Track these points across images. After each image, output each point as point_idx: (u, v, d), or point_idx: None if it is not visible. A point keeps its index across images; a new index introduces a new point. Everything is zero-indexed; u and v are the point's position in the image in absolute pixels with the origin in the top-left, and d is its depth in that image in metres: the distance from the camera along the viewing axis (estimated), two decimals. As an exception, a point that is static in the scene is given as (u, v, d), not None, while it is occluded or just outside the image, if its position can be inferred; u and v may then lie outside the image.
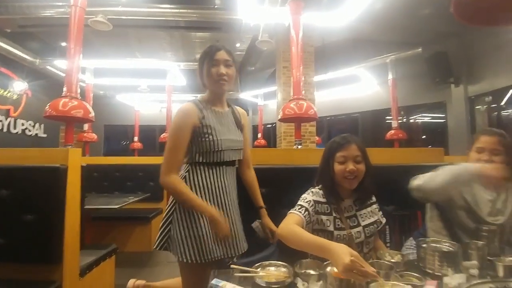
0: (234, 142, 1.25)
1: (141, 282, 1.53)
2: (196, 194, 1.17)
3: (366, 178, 1.15)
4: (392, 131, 5.61)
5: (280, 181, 1.46)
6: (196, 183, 1.19)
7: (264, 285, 0.83)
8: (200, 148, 1.19)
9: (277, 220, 1.36)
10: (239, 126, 1.32)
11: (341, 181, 1.13)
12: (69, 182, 1.41)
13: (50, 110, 2.35)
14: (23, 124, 6.98)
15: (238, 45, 6.30)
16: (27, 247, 1.36)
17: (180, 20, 4.81)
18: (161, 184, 1.15)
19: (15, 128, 6.76)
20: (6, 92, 6.53)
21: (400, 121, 6.13)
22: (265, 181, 1.45)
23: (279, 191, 1.43)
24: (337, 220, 1.13)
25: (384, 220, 1.27)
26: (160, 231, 1.20)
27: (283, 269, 0.91)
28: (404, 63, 5.85)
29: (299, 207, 1.10)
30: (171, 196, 1.23)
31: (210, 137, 1.18)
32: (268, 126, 9.30)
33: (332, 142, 1.19)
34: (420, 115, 6.70)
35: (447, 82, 5.47)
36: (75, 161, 1.46)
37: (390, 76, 5.79)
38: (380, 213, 1.28)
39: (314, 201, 1.13)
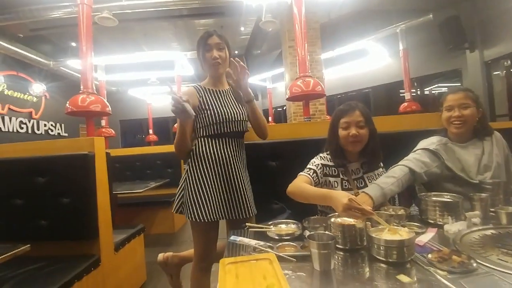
0: (234, 114, 1.33)
1: (169, 253, 1.69)
2: (202, 163, 1.30)
3: (371, 142, 1.22)
4: (405, 104, 5.49)
5: (290, 154, 1.53)
6: (202, 153, 1.31)
7: (276, 237, 0.93)
8: (202, 123, 1.31)
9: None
10: (240, 100, 1.41)
11: (346, 145, 1.21)
12: (97, 167, 1.56)
13: (70, 107, 2.50)
14: (45, 125, 7.37)
15: (242, 29, 6.25)
16: (67, 226, 1.53)
17: (183, 9, 4.84)
18: (177, 156, 1.32)
19: (38, 129, 7.15)
20: (26, 95, 6.87)
21: (414, 94, 5.97)
22: (275, 155, 1.54)
23: (290, 164, 1.50)
24: (344, 181, 1.23)
25: None
26: (176, 197, 1.36)
27: (293, 226, 1.01)
28: (415, 32, 5.63)
29: (308, 169, 1.21)
30: (184, 168, 1.38)
31: (209, 111, 1.30)
32: (278, 109, 9.30)
33: (337, 109, 1.27)
34: (436, 85, 6.46)
35: (462, 48, 5.26)
36: (100, 148, 1.60)
37: (401, 47, 5.59)
38: None
39: (322, 164, 1.23)
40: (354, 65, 7.25)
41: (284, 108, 7.73)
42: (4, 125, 6.18)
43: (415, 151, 1.32)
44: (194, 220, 1.27)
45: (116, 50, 6.61)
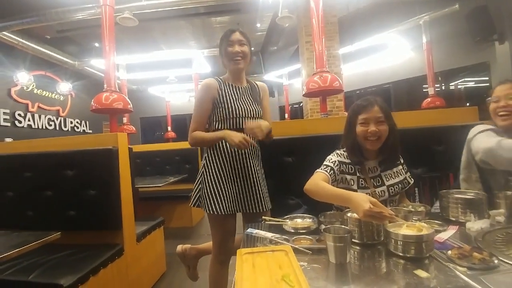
0: (249, 111, 1.37)
1: (187, 245, 1.75)
2: (219, 157, 1.35)
3: (390, 138, 1.17)
4: (429, 99, 5.28)
5: (306, 150, 1.53)
6: (219, 148, 1.36)
7: (292, 230, 0.94)
8: (218, 116, 1.35)
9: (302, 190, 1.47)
10: (256, 99, 1.45)
11: (364, 142, 1.17)
12: (120, 161, 1.64)
13: (95, 104, 2.62)
14: (71, 122, 7.75)
15: (258, 25, 6.25)
16: (93, 217, 1.62)
17: (200, 7, 4.89)
18: (190, 144, 1.37)
19: (65, 126, 7.53)
20: (54, 94, 7.25)
21: (437, 89, 5.72)
22: (292, 151, 1.55)
23: (306, 160, 1.51)
24: (361, 179, 1.19)
25: (412, 181, 1.30)
26: (194, 191, 1.41)
27: (308, 220, 1.02)
28: (440, 23, 5.36)
29: (325, 166, 1.18)
30: (202, 163, 1.42)
31: (227, 105, 1.34)
32: (295, 106, 9.22)
33: (354, 104, 1.22)
34: (462, 80, 6.14)
35: (490, 40, 4.96)
36: (123, 143, 1.68)
37: (424, 39, 5.36)
38: (408, 174, 1.30)
39: (339, 161, 1.20)
40: (373, 59, 7.04)
41: (301, 104, 7.66)
42: (34, 122, 6.57)
43: (476, 134, 1.24)
44: (211, 212, 1.31)
45: (136, 50, 6.81)
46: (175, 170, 3.71)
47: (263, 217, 1.04)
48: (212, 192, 1.33)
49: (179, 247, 1.76)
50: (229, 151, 1.35)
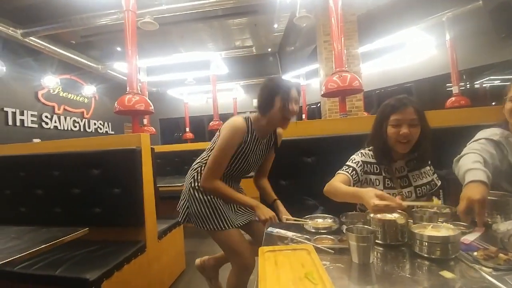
0: (257, 166, 1.40)
1: (205, 257, 1.71)
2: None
3: (423, 141, 1.11)
4: (453, 98, 5.07)
5: (325, 150, 1.51)
6: None
7: (313, 230, 0.94)
8: (231, 167, 1.32)
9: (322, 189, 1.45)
10: (270, 148, 1.43)
11: (394, 144, 1.11)
12: (143, 160, 1.69)
13: (118, 106, 2.72)
14: (95, 124, 8.09)
15: (275, 25, 6.25)
16: (118, 214, 1.68)
17: (218, 9, 4.97)
18: (204, 187, 1.28)
19: (89, 127, 7.87)
20: (79, 97, 7.60)
21: (462, 87, 5.48)
22: (310, 151, 1.53)
23: (325, 160, 1.50)
24: (387, 180, 1.15)
25: (439, 183, 1.24)
26: (181, 209, 1.41)
27: (330, 220, 1.01)
28: (463, 20, 5.15)
29: (347, 167, 1.16)
30: (187, 180, 1.41)
31: (244, 157, 1.31)
32: (312, 106, 9.13)
33: (386, 104, 1.15)
34: (487, 78, 5.84)
35: (517, 36, 4.70)
36: (146, 143, 1.74)
37: (447, 37, 5.17)
38: (435, 175, 1.25)
39: (363, 161, 1.17)
40: (394, 58, 6.85)
41: (318, 105, 7.59)
42: (60, 124, 6.91)
43: (476, 140, 1.16)
44: (211, 229, 1.30)
45: (156, 53, 7.01)
46: (193, 170, 3.77)
47: (283, 216, 1.04)
48: (206, 210, 1.32)
49: (198, 261, 1.71)
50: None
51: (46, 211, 1.82)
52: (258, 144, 1.34)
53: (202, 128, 9.87)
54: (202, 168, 1.34)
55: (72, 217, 1.77)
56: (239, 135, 1.25)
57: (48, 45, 5.89)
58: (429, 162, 1.23)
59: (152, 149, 1.81)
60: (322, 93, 2.50)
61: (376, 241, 0.83)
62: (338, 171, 1.16)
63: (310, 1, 4.22)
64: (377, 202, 0.82)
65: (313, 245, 0.78)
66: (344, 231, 0.89)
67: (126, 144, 1.71)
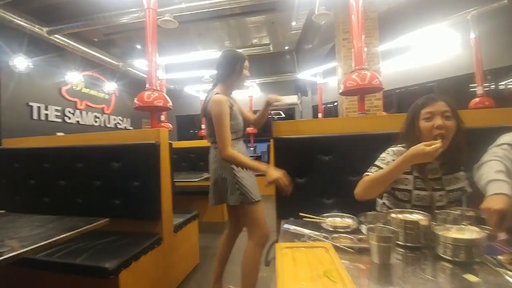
0: (243, 121, 1.67)
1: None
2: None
3: (457, 137, 1.06)
4: (477, 99, 4.85)
5: (343, 149, 1.49)
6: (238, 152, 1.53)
7: (331, 229, 0.92)
8: (232, 129, 1.54)
9: (342, 188, 1.43)
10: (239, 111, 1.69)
11: (429, 140, 1.03)
12: (162, 155, 1.73)
13: (138, 102, 2.78)
14: (114, 119, 8.33)
15: (293, 23, 6.18)
16: (136, 206, 1.73)
17: (236, 7, 4.97)
18: (224, 158, 1.48)
19: (109, 123, 8.11)
20: (100, 93, 7.85)
21: (486, 88, 5.23)
22: (328, 149, 1.51)
23: (341, 159, 1.47)
24: (417, 180, 1.10)
25: (469, 190, 1.17)
26: (231, 194, 1.54)
27: (348, 220, 0.99)
28: (489, 18, 4.92)
29: (376, 168, 1.10)
30: (224, 167, 1.55)
31: (237, 120, 1.58)
32: (329, 105, 8.99)
33: (416, 102, 1.13)
34: (512, 79, 5.55)
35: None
36: (164, 138, 1.77)
37: (472, 35, 4.94)
38: (467, 181, 1.16)
39: (393, 160, 1.10)
40: (416, 56, 6.62)
41: (335, 104, 7.46)
42: (82, 119, 7.17)
43: (499, 145, 1.11)
44: (257, 200, 1.53)
45: (174, 51, 7.12)
46: (208, 166, 3.82)
47: (300, 213, 1.04)
48: (250, 183, 1.54)
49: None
50: (243, 153, 1.57)
51: (68, 202, 1.89)
52: (235, 103, 1.63)
53: (217, 125, 9.96)
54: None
55: (93, 208, 1.84)
56: (226, 104, 1.50)
57: (72, 43, 6.12)
58: (463, 168, 1.15)
59: (170, 144, 1.84)
60: (341, 91, 2.44)
61: (397, 242, 0.81)
62: (366, 173, 1.10)
63: (329, -2, 4.15)
64: (429, 149, 0.89)
65: (332, 244, 0.77)
66: (364, 230, 0.88)
67: (146, 139, 1.75)
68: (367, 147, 1.42)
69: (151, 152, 1.70)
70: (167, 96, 2.88)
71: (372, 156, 1.37)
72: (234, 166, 1.52)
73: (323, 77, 8.18)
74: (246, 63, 1.63)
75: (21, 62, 5.44)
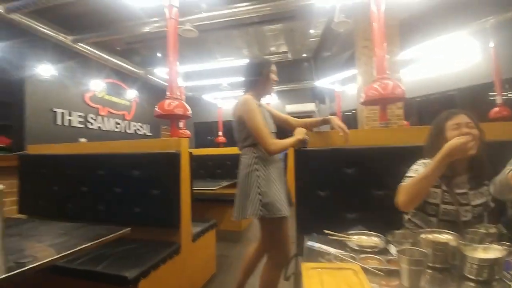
0: (271, 128, 1.59)
1: None
2: (269, 167, 1.49)
3: (480, 149, 1.06)
4: (496, 109, 4.65)
5: (365, 162, 1.44)
6: (266, 160, 1.50)
7: (357, 248, 0.88)
8: None
9: (365, 202, 1.38)
10: (270, 116, 1.67)
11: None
12: (182, 164, 1.74)
13: (158, 110, 2.84)
14: (134, 125, 8.57)
15: (312, 31, 6.19)
16: (155, 215, 1.74)
17: (254, 16, 5.03)
18: (272, 152, 1.46)
19: (129, 129, 8.36)
20: (121, 100, 8.12)
21: (505, 97, 5.01)
22: (350, 162, 1.46)
23: (365, 173, 1.42)
24: (445, 194, 1.09)
25: (492, 205, 1.14)
26: (253, 205, 1.45)
27: (375, 238, 0.94)
28: (508, 27, 4.75)
29: (410, 175, 1.10)
30: (251, 176, 1.49)
31: (265, 122, 1.51)
32: (347, 113, 8.84)
33: (439, 116, 1.18)
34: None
35: None
36: (185, 147, 1.79)
37: (491, 44, 4.77)
38: (490, 196, 1.14)
39: None
40: (436, 64, 6.41)
41: (353, 112, 7.32)
42: (104, 125, 7.42)
43: None
44: (282, 215, 1.42)
45: (193, 59, 7.28)
46: (226, 175, 3.82)
47: (324, 230, 1.00)
48: (276, 196, 1.44)
49: None
50: (272, 158, 1.50)
51: (90, 208, 1.93)
52: (263, 108, 1.61)
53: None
54: (255, 157, 1.50)
55: (114, 215, 1.86)
56: (254, 102, 1.48)
57: (96, 51, 6.37)
58: (487, 182, 1.13)
59: (190, 153, 1.86)
60: (362, 100, 2.39)
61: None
62: (401, 184, 1.10)
63: (349, 6, 4.11)
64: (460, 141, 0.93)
65: (360, 265, 0.73)
66: (392, 250, 0.83)
67: (167, 148, 1.77)
68: (392, 160, 1.37)
69: (172, 161, 1.72)
70: (186, 104, 2.94)
71: (397, 170, 1.32)
72: (261, 174, 1.45)
73: (341, 85, 8.08)
74: (273, 68, 1.61)
75: (46, 70, 5.68)
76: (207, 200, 3.51)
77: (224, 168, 3.92)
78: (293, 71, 8.63)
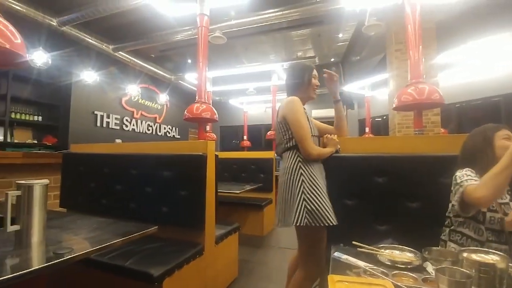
0: (314, 132, 1.53)
1: None
2: (314, 171, 1.40)
3: None
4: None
5: (397, 171, 1.36)
6: (311, 163, 1.41)
7: (389, 263, 0.83)
8: None
9: (398, 214, 1.29)
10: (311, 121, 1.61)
11: None
12: (208, 166, 1.77)
13: (187, 114, 2.93)
14: (164, 128, 8.93)
15: (340, 35, 6.06)
16: (181, 215, 1.78)
17: (283, 21, 5.04)
18: (310, 156, 1.39)
19: (160, 131, 8.72)
20: (154, 104, 8.51)
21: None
22: (381, 171, 1.39)
23: (396, 182, 1.35)
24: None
25: None
26: (296, 212, 1.34)
27: (409, 254, 0.88)
28: None
29: (473, 180, 1.02)
30: (295, 180, 1.39)
31: (309, 124, 1.48)
32: (377, 119, 8.50)
33: (485, 127, 1.17)
34: None
35: None
36: (211, 150, 1.81)
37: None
38: None
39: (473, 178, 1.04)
40: (478, 68, 5.95)
41: (384, 118, 7.03)
42: (137, 127, 7.82)
43: None
44: (330, 223, 1.31)
45: (221, 64, 7.44)
46: (250, 179, 3.83)
47: (353, 242, 0.95)
48: (324, 203, 1.34)
49: None
50: (316, 164, 1.42)
51: (122, 205, 2.02)
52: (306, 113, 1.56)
53: (259, 137, 10.06)
54: (299, 160, 1.42)
55: (143, 213, 1.93)
56: (300, 103, 1.47)
57: (133, 59, 6.82)
58: None
59: (216, 155, 1.88)
60: (395, 106, 2.28)
61: None
62: (468, 183, 1.01)
63: (380, 9, 3.97)
64: None
65: (393, 282, 0.68)
66: (429, 268, 0.77)
67: (194, 150, 1.81)
68: (427, 170, 1.29)
69: (198, 163, 1.75)
70: (214, 109, 3.00)
71: (433, 181, 1.24)
72: (305, 179, 1.36)
73: (371, 90, 7.81)
74: (315, 72, 1.60)
75: (89, 76, 6.18)
76: (231, 203, 3.54)
77: (249, 172, 3.93)
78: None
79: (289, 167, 1.42)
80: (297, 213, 1.32)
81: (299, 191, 1.35)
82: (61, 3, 4.71)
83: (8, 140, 5.08)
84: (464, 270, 0.67)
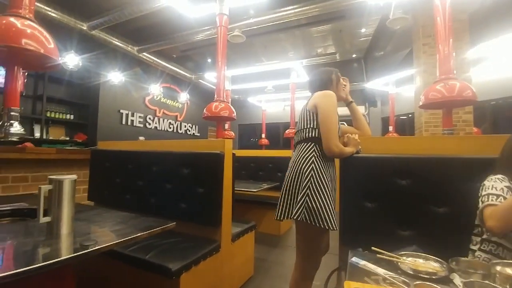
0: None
1: None
2: (327, 168, 1.37)
3: None
4: None
5: (422, 173, 1.28)
6: (327, 160, 1.39)
7: (410, 272, 0.77)
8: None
9: (422, 219, 1.22)
10: None
11: None
12: (225, 164, 1.77)
13: (206, 112, 2.96)
14: (185, 126, 9.12)
15: (363, 30, 5.85)
16: (199, 212, 1.80)
17: (302, 18, 4.95)
18: (332, 153, 1.35)
19: (180, 129, 8.92)
20: (175, 102, 8.71)
21: None
22: (404, 172, 1.31)
23: (424, 185, 1.27)
24: None
25: None
26: (295, 206, 1.35)
27: (434, 263, 0.82)
28: None
29: (495, 196, 0.92)
30: (306, 173, 1.36)
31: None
32: (402, 117, 8.16)
33: None
34: None
35: None
36: (228, 148, 1.82)
37: None
38: None
39: (507, 187, 0.94)
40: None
41: (410, 116, 6.73)
42: (159, 125, 8.06)
43: None
44: (328, 227, 1.28)
45: (240, 63, 7.46)
46: (267, 177, 3.81)
47: (373, 247, 0.90)
48: (326, 206, 1.29)
49: None
50: (331, 161, 1.39)
51: (144, 201, 2.08)
52: None
53: (277, 135, 10.01)
54: (315, 152, 1.38)
55: (163, 208, 1.97)
56: (336, 100, 1.43)
57: (156, 59, 7.05)
58: None
59: (233, 154, 1.88)
60: (421, 103, 2.15)
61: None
62: (486, 204, 0.92)
63: (406, 1, 3.78)
64: None
65: (415, 293, 0.64)
66: (457, 281, 0.71)
67: (212, 148, 1.82)
68: (456, 173, 1.20)
69: (215, 161, 1.76)
70: (232, 107, 3.01)
71: (463, 185, 1.16)
72: (315, 174, 1.32)
73: (395, 87, 7.50)
74: (339, 74, 1.63)
75: (116, 76, 6.46)
76: (248, 201, 3.54)
77: (266, 170, 3.91)
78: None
79: (301, 159, 1.38)
80: (298, 207, 1.32)
81: (305, 185, 1.32)
82: (91, 9, 4.95)
83: (44, 137, 5.44)
84: (497, 286, 0.61)
